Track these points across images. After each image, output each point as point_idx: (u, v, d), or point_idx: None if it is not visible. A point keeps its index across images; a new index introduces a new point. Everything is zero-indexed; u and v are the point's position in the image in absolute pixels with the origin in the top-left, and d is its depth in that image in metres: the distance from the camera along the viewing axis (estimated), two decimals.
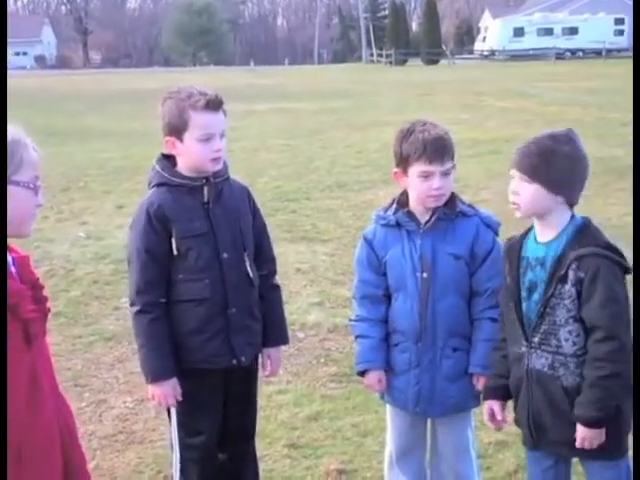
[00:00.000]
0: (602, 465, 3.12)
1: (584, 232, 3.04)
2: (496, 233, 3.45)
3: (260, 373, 3.70)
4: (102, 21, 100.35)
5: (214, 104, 3.28)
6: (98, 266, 8.30)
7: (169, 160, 3.42)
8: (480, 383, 3.41)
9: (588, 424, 2.97)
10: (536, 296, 3.08)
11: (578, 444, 3.00)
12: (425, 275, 3.37)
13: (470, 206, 3.47)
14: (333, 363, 5.77)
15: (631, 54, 60.79)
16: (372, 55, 74.17)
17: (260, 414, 3.86)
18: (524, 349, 3.12)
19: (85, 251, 8.93)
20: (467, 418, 3.58)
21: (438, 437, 3.60)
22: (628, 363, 2.96)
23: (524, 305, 3.12)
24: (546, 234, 3.10)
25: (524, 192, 3.05)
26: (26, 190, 2.44)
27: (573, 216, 3.10)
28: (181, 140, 3.30)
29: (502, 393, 3.28)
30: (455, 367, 3.41)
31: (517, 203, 3.09)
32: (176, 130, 3.30)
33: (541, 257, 3.08)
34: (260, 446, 4.15)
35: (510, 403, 3.33)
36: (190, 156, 3.32)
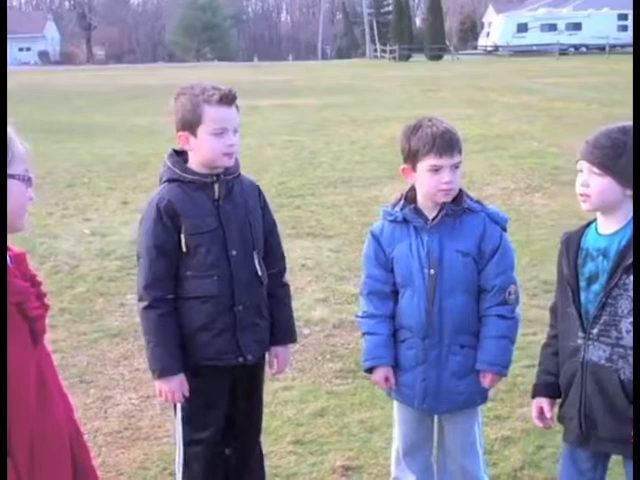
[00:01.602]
0: None
1: None
2: (504, 229, 3.44)
3: (267, 370, 3.70)
4: (106, 17, 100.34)
5: (228, 99, 3.29)
6: (103, 262, 8.29)
7: (180, 156, 3.42)
8: (487, 380, 3.40)
9: None
10: (597, 287, 3.03)
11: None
12: (432, 271, 3.36)
13: (478, 202, 3.45)
14: (339, 359, 5.76)
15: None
16: (376, 51, 74.12)
17: (265, 410, 3.86)
18: (580, 341, 3.06)
19: (90, 247, 8.92)
20: (474, 415, 3.56)
21: (445, 433, 3.59)
22: None
23: (582, 296, 3.07)
24: (609, 226, 3.05)
25: (595, 185, 3.00)
26: (20, 183, 2.44)
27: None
28: (194, 135, 3.30)
29: (551, 391, 3.23)
30: (463, 364, 3.40)
31: (586, 195, 3.03)
32: (190, 125, 3.29)
33: (603, 248, 3.03)
34: (266, 442, 4.14)
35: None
36: (203, 151, 3.32)
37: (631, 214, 3.02)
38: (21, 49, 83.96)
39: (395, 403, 3.68)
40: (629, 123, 3.06)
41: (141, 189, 11.45)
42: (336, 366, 5.64)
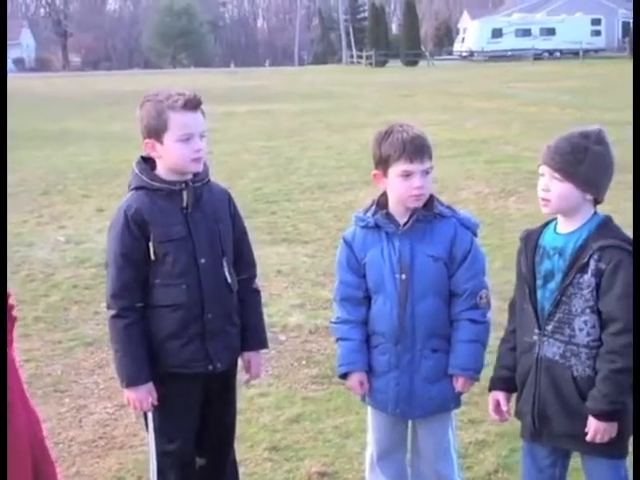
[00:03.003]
0: (604, 463, 3.12)
1: (606, 226, 3.07)
2: (474, 234, 3.46)
3: (241, 377, 3.70)
4: (81, 23, 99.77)
5: (192, 103, 3.28)
6: (78, 270, 8.25)
7: (148, 163, 3.40)
8: (459, 384, 3.42)
9: (601, 417, 2.96)
10: (552, 285, 3.09)
11: (590, 438, 3.00)
12: (404, 277, 3.38)
13: (448, 207, 3.47)
14: (314, 365, 5.77)
15: (608, 54, 61.37)
16: (352, 57, 74.28)
17: (241, 417, 3.86)
18: (535, 337, 3.13)
19: (65, 255, 8.88)
20: (447, 419, 3.58)
21: (419, 438, 3.60)
22: None
23: (539, 293, 3.13)
24: (568, 226, 3.12)
25: (555, 189, 3.06)
26: None
27: (595, 212, 3.12)
28: (161, 142, 3.29)
29: (507, 385, 3.30)
30: (435, 368, 3.42)
31: (547, 199, 3.09)
32: (155, 132, 3.28)
33: (559, 247, 3.10)
34: (241, 450, 4.15)
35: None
36: (170, 157, 3.31)
37: (589, 216, 3.10)
38: None
39: (369, 408, 3.68)
40: (591, 127, 3.11)
41: (116, 196, 11.37)
42: (312, 372, 5.64)
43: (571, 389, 3.06)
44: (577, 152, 3.02)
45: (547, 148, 3.10)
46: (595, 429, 2.99)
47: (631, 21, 63.52)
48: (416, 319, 3.38)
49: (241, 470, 3.90)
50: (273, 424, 4.91)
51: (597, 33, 67.65)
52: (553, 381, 3.10)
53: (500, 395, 3.32)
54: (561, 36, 65.85)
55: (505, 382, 3.31)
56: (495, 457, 4.38)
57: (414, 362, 3.41)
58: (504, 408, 3.31)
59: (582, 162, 3.02)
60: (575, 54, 61.14)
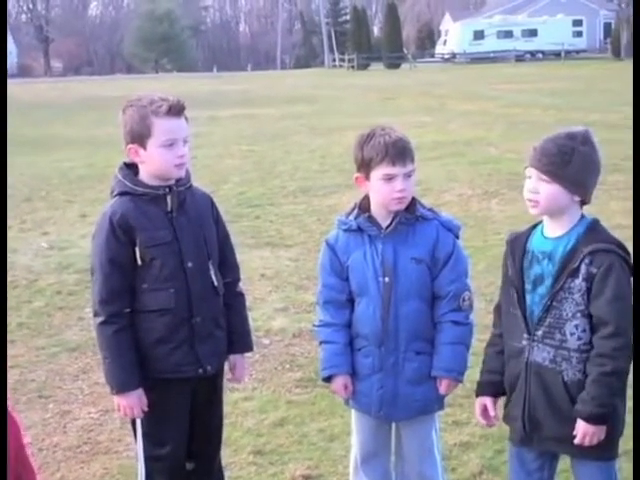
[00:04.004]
0: (594, 466, 3.13)
1: (595, 230, 3.07)
2: (457, 236, 3.47)
3: (227, 381, 3.70)
4: (63, 29, 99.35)
5: (176, 109, 3.28)
6: (61, 276, 8.23)
7: (131, 169, 3.40)
8: (443, 386, 3.43)
9: (589, 420, 2.96)
10: (542, 289, 3.09)
11: (578, 441, 3.00)
12: (387, 279, 3.39)
13: (430, 210, 3.49)
14: (298, 368, 5.77)
15: (589, 55, 61.65)
16: (334, 60, 74.32)
17: (226, 421, 3.86)
18: (525, 342, 3.12)
19: (48, 261, 8.85)
20: (431, 421, 3.59)
21: (402, 440, 3.61)
22: (630, 361, 2.98)
23: (528, 298, 3.13)
24: (555, 230, 3.11)
25: (543, 191, 3.06)
26: None
27: (583, 215, 3.13)
28: (144, 147, 3.29)
29: (495, 389, 3.30)
30: (418, 371, 3.42)
31: (535, 201, 3.09)
32: (139, 137, 3.28)
33: (548, 251, 3.09)
34: (226, 454, 4.14)
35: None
36: (153, 163, 3.31)
37: (577, 219, 3.10)
38: None
39: (353, 411, 3.69)
40: (577, 128, 3.12)
41: (100, 202, 11.30)
42: (296, 375, 5.65)
43: (562, 394, 3.06)
44: (564, 153, 3.03)
45: (533, 150, 3.10)
46: (584, 432, 2.99)
47: (612, 22, 64.04)
48: (399, 322, 3.39)
49: (226, 474, 3.90)
50: (257, 428, 4.91)
51: (579, 34, 68.03)
52: (543, 386, 3.10)
53: (487, 400, 3.31)
54: (543, 37, 66.13)
55: (492, 387, 3.30)
56: (479, 459, 4.40)
57: (398, 365, 3.42)
58: (491, 413, 3.30)
59: (569, 163, 3.02)
60: (557, 55, 61.52)
